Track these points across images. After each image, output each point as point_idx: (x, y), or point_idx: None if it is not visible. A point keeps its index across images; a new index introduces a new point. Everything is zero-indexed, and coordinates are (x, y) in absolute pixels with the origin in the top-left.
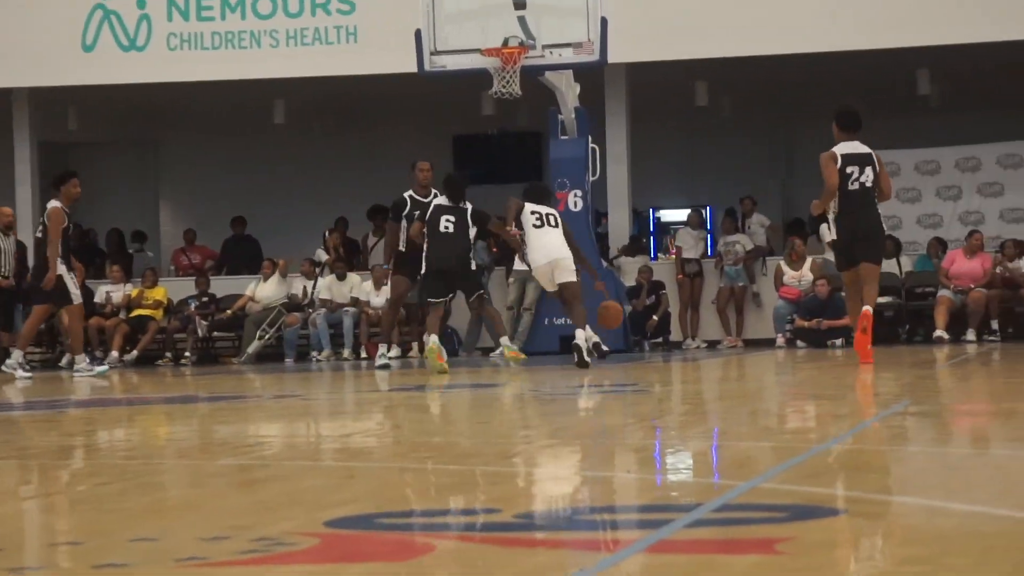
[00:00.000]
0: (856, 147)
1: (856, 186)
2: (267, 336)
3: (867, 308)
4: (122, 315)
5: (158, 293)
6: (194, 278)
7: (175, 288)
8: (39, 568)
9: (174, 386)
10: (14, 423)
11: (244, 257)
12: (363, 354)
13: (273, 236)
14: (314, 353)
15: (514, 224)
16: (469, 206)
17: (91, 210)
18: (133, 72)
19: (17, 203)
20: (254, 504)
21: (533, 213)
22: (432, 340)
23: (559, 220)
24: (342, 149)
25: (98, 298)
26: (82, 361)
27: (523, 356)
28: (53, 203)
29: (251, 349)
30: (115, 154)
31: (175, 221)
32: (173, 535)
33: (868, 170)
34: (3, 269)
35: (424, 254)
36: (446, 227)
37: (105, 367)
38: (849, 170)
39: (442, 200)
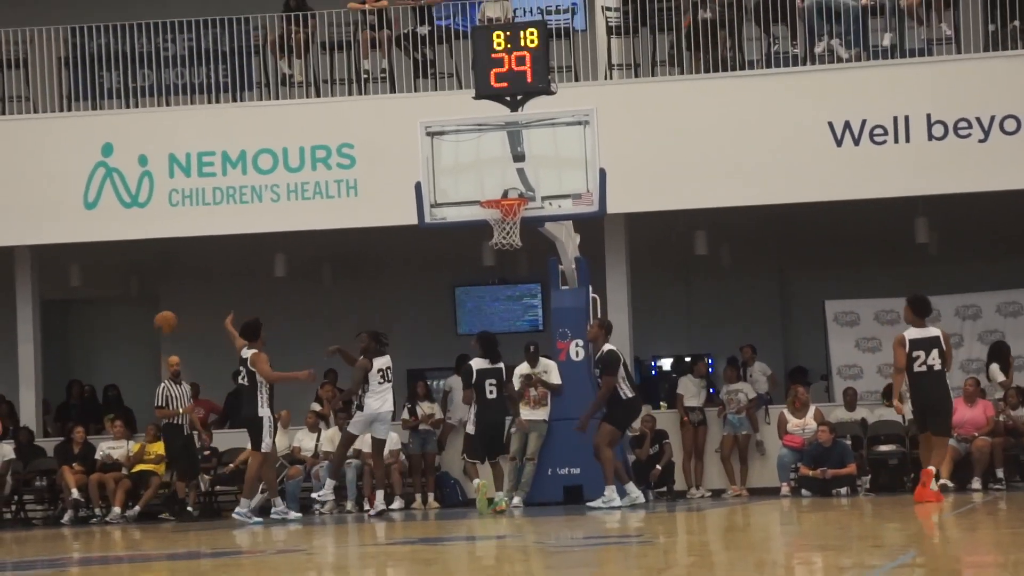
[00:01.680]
0: (926, 332)
1: (924, 368)
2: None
3: (929, 468)
4: (123, 471)
5: (159, 447)
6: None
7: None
8: None
9: (177, 542)
10: None
11: (240, 410)
12: (365, 506)
13: (275, 388)
14: (317, 506)
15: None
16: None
17: (92, 366)
18: (135, 228)
19: (20, 361)
20: None
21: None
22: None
23: None
24: (343, 301)
25: (98, 455)
26: (245, 506)
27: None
28: (252, 350)
29: (254, 502)
30: (117, 309)
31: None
32: None
33: (935, 352)
34: (179, 418)
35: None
36: (491, 391)
37: (260, 520)
38: (916, 354)
39: (484, 363)
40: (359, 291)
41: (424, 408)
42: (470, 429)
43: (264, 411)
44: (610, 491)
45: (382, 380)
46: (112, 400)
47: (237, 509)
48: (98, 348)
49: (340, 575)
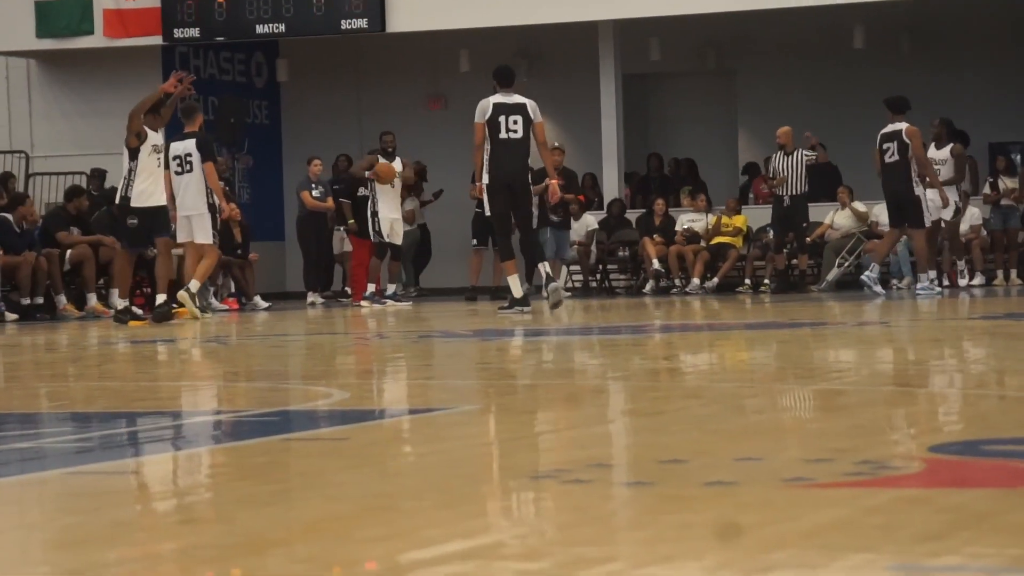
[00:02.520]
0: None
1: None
2: (846, 264)
3: None
4: (702, 243)
5: (738, 221)
6: (770, 207)
7: (755, 216)
8: (651, 484)
9: (754, 313)
10: (607, 347)
11: (824, 185)
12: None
13: (852, 162)
14: (894, 281)
15: None
16: None
17: (669, 139)
18: (709, 2)
19: (603, 136)
20: (852, 428)
21: None
22: None
23: None
24: (921, 71)
25: (678, 227)
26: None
27: None
28: (904, 124)
29: (830, 277)
30: (694, 83)
31: (751, 149)
32: (775, 456)
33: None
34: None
35: None
36: None
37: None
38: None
39: None
40: (936, 63)
41: (1006, 183)
42: None
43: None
44: None
45: None
46: (688, 174)
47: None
48: (675, 121)
49: (920, 346)
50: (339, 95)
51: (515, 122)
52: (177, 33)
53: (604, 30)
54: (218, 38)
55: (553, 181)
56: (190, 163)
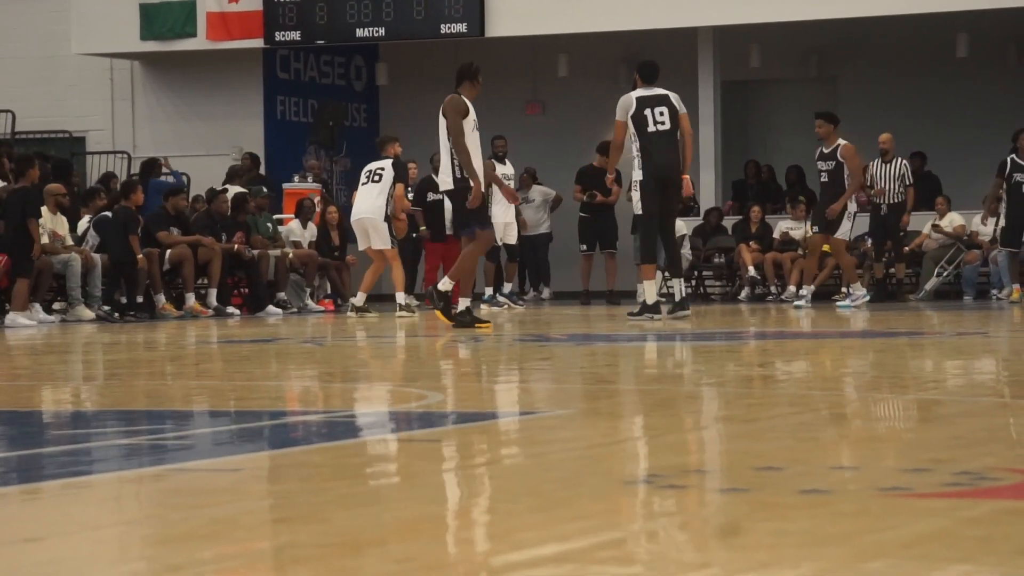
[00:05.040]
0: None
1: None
2: (946, 273)
3: None
4: (799, 251)
5: None
6: (868, 215)
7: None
8: (747, 491)
9: (850, 321)
10: (702, 353)
11: (924, 193)
12: None
13: (953, 172)
14: (994, 291)
15: None
16: None
17: (769, 146)
18: (811, 9)
19: (701, 142)
20: (950, 439)
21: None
22: None
23: None
24: None
25: (776, 233)
26: (859, 290)
27: None
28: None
29: (929, 286)
30: (795, 90)
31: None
32: (873, 465)
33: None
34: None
35: None
36: None
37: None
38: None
39: None
40: None
41: None
42: None
43: None
44: None
45: None
46: (794, 182)
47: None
48: (776, 128)
49: (1019, 359)
50: (437, 99)
51: (661, 113)
52: (278, 36)
53: (704, 36)
54: (318, 41)
55: (685, 176)
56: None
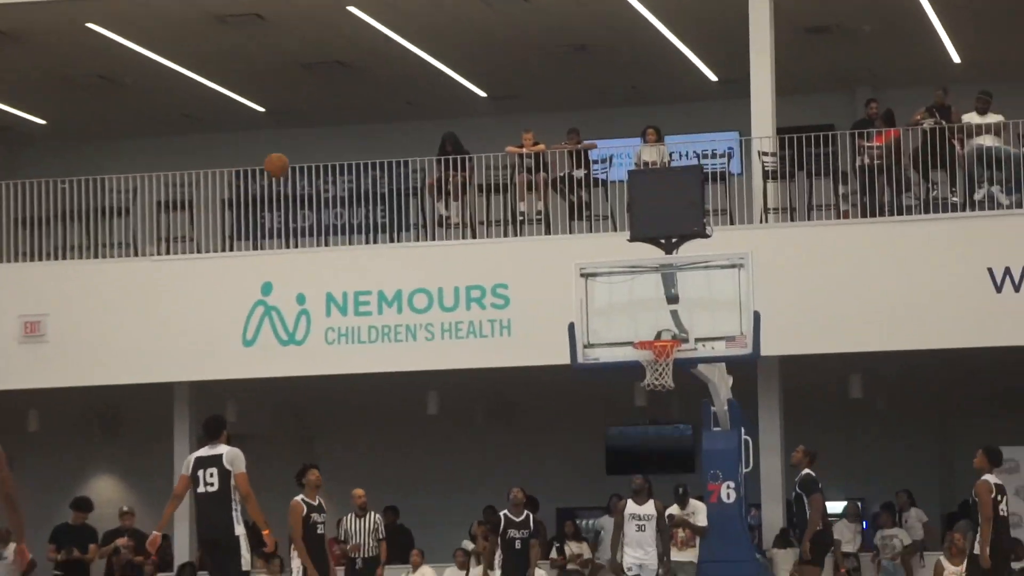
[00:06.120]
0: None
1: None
2: None
3: None
4: None
5: None
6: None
7: None
8: None
9: None
10: None
11: (397, 547)
12: None
13: (423, 526)
14: None
15: None
16: None
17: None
18: (291, 366)
19: None
20: None
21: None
22: None
23: None
24: (494, 440)
25: None
26: None
27: None
28: (295, 499)
29: None
30: (272, 448)
31: (331, 511)
32: None
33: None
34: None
35: None
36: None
37: None
38: (1000, 497)
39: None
40: (510, 431)
41: (572, 547)
42: None
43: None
44: None
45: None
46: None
47: None
48: (255, 486)
49: None
50: None
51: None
52: None
53: (180, 392)
54: None
55: None
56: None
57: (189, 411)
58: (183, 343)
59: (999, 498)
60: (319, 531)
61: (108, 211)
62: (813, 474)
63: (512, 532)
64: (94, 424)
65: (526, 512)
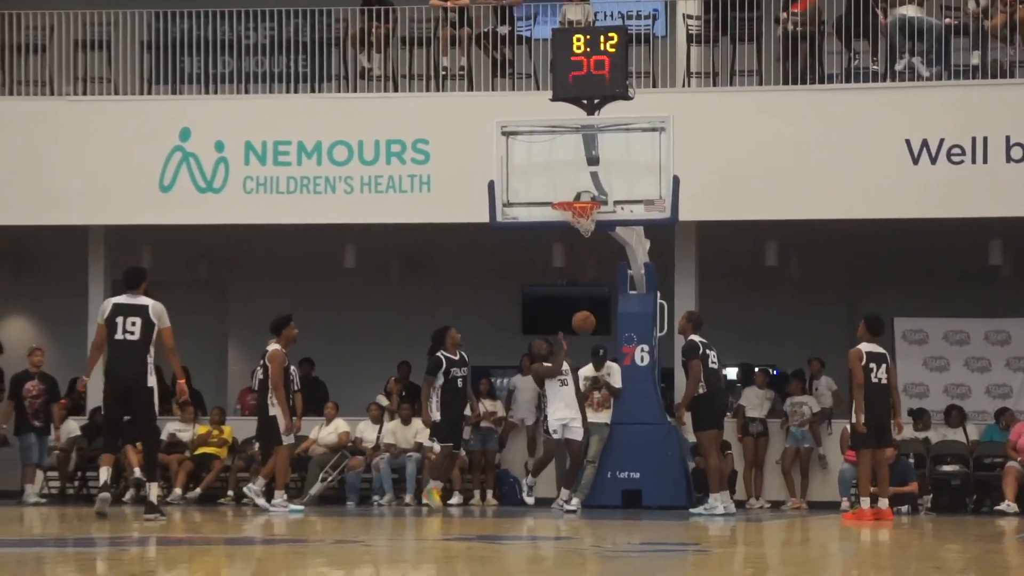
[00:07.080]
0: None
1: (878, 379)
2: (330, 479)
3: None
4: (187, 453)
5: (226, 432)
6: (255, 419)
7: (241, 427)
8: None
9: (236, 527)
10: (81, 559)
11: (311, 399)
12: (424, 499)
13: (339, 379)
14: (375, 497)
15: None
16: None
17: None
18: (208, 214)
19: (88, 339)
20: None
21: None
22: None
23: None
24: (410, 297)
25: (164, 435)
26: (280, 496)
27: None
28: (273, 346)
29: (313, 491)
30: (186, 294)
31: (243, 361)
32: None
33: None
34: None
35: None
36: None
37: (301, 509)
38: (872, 366)
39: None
40: (427, 287)
41: (486, 405)
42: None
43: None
44: (714, 498)
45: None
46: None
47: (272, 501)
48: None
49: (396, 569)
50: None
51: (133, 323)
52: None
53: (95, 235)
54: None
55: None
56: None
57: (104, 254)
58: (98, 186)
59: (871, 366)
60: (296, 386)
61: (23, 48)
62: (696, 339)
63: (455, 371)
64: (4, 265)
65: (460, 352)
